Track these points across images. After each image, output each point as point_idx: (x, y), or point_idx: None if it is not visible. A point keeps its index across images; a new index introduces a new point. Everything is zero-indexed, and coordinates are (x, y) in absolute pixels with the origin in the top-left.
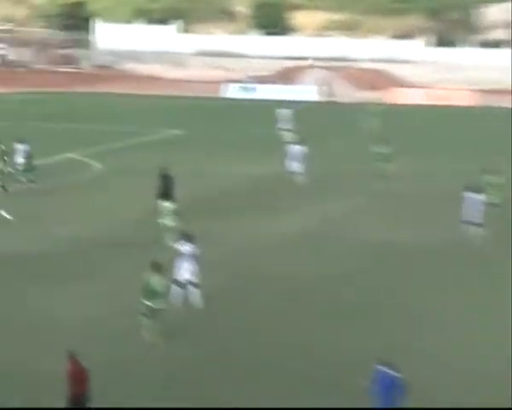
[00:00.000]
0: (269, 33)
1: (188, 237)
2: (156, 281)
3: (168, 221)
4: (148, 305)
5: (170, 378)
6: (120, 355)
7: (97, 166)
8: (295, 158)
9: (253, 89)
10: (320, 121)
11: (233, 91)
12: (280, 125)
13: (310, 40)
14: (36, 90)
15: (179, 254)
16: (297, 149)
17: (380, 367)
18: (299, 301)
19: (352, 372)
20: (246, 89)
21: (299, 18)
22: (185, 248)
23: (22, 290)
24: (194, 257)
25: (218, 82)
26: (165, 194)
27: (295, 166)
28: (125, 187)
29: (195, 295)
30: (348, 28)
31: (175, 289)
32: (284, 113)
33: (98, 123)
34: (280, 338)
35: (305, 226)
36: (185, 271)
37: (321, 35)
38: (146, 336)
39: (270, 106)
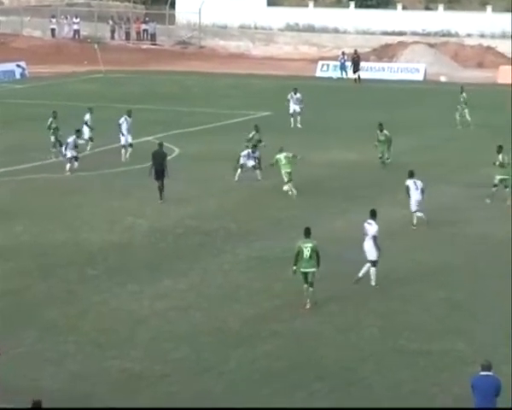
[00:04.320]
0: (365, 6)
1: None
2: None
3: None
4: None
5: None
6: None
7: (175, 150)
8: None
9: (349, 67)
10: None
11: (326, 70)
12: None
13: (410, 13)
14: (111, 69)
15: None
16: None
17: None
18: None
19: None
20: (341, 67)
21: None
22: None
23: None
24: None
25: (310, 60)
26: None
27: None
28: (203, 173)
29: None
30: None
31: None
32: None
33: (178, 104)
34: None
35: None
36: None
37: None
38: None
39: (369, 86)
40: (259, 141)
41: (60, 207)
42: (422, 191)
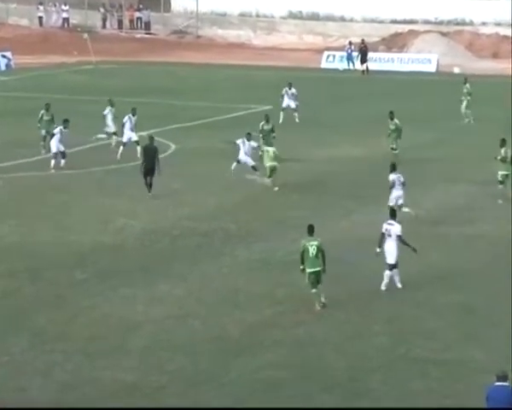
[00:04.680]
0: None
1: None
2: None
3: None
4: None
5: None
6: None
7: (171, 146)
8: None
9: (356, 58)
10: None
11: (332, 61)
12: None
13: (422, 0)
14: (102, 60)
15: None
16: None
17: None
18: None
19: None
20: (348, 58)
21: None
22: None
23: None
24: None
25: (315, 50)
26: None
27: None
28: (201, 170)
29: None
30: None
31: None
32: None
33: (174, 97)
34: None
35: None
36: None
37: None
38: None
39: (377, 78)
40: (272, 130)
41: (48, 207)
42: (403, 185)
